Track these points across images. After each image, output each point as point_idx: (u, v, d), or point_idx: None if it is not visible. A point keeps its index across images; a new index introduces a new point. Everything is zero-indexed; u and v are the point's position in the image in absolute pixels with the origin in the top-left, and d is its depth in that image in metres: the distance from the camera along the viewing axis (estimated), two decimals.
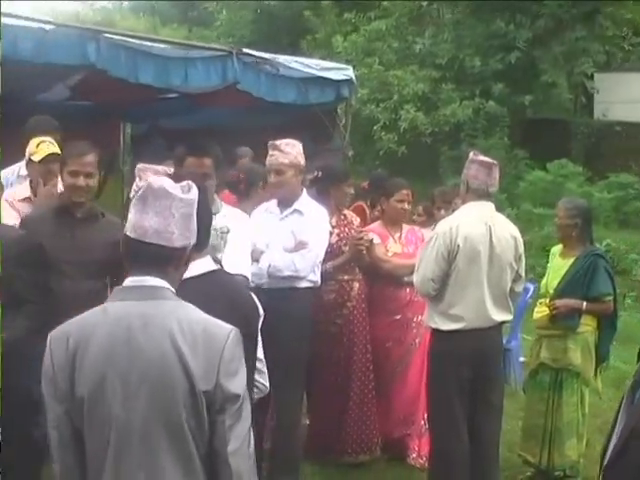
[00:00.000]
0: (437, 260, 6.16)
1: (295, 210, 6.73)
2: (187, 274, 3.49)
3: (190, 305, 3.08)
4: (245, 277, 5.55)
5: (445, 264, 6.18)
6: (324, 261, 6.91)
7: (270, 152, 6.75)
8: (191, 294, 3.37)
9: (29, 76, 9.38)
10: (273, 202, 6.90)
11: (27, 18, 8.29)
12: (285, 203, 6.78)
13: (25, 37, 7.91)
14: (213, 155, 5.53)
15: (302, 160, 6.79)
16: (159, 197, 3.02)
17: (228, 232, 5.50)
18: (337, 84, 10.23)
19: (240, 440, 2.97)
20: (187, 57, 9.05)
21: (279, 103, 9.87)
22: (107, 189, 10.64)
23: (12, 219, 6.67)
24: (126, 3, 37.60)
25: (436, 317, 6.34)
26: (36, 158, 6.68)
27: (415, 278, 6.42)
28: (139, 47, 8.75)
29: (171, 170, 4.98)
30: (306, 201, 6.80)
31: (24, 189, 6.87)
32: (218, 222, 5.55)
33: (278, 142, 6.76)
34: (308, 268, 6.59)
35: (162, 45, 9.46)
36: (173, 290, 3.07)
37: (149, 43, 9.19)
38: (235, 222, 5.62)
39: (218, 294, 3.72)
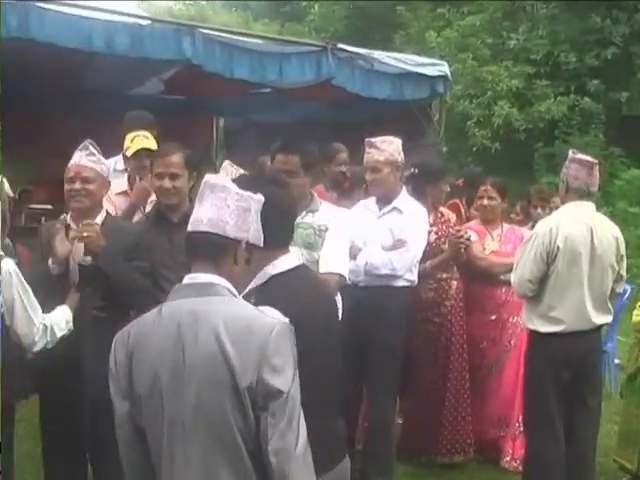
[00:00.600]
0: (535, 261, 6.03)
1: (394, 208, 6.63)
2: (272, 271, 3.56)
3: (240, 301, 3.09)
4: (342, 275, 5.48)
5: (544, 265, 6.03)
6: (422, 260, 6.80)
7: (367, 150, 6.68)
8: (275, 291, 3.47)
9: (124, 70, 9.48)
10: (372, 199, 6.82)
11: (123, 13, 8.37)
12: (384, 201, 6.69)
13: (121, 32, 7.98)
14: (301, 153, 5.48)
15: (400, 157, 6.68)
16: (215, 190, 3.08)
17: (326, 230, 5.46)
18: (432, 80, 10.13)
19: (284, 439, 2.87)
20: (282, 52, 9.07)
21: (373, 99, 9.79)
22: (199, 184, 10.66)
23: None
24: None
25: (535, 319, 6.19)
26: (129, 153, 6.73)
27: (513, 278, 6.29)
28: (234, 42, 8.79)
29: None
30: (405, 199, 6.70)
31: (121, 183, 6.86)
32: (316, 220, 5.53)
33: (374, 139, 6.68)
34: (406, 267, 6.50)
35: (257, 40, 9.47)
36: (227, 285, 3.05)
37: (244, 38, 9.21)
38: (335, 220, 5.59)
39: (300, 290, 3.62)
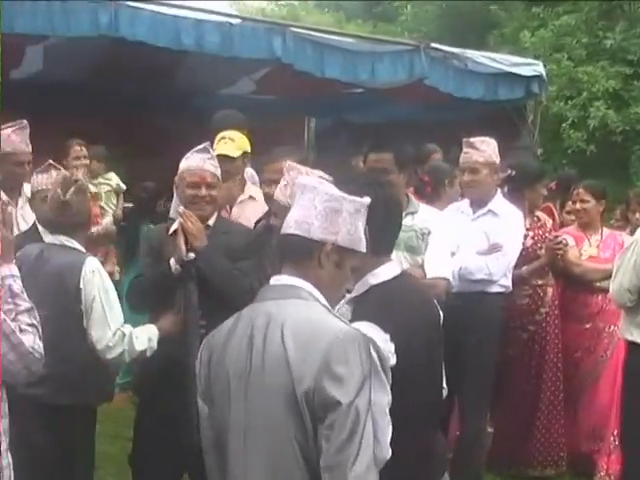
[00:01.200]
0: (635, 269, 5.76)
1: (489, 211, 6.46)
2: (373, 280, 3.46)
3: (318, 306, 2.92)
4: (448, 280, 5.42)
5: None
6: (516, 265, 6.62)
7: (464, 149, 6.53)
8: (374, 303, 3.38)
9: (215, 70, 9.48)
10: (465, 202, 6.66)
11: (213, 12, 8.36)
12: (478, 203, 6.52)
13: (211, 31, 8.00)
14: (395, 151, 5.40)
15: (497, 159, 6.53)
16: (305, 191, 2.99)
17: (429, 234, 5.33)
18: (527, 80, 9.96)
19: (340, 455, 2.64)
20: (374, 51, 9.02)
21: (465, 99, 9.64)
22: None
23: None
24: None
25: (633, 329, 5.93)
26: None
27: (611, 287, 6.05)
28: (325, 41, 8.77)
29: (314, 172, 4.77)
30: (500, 202, 6.53)
31: None
32: (417, 222, 5.41)
33: (473, 140, 6.53)
34: (501, 272, 6.32)
35: (349, 39, 9.40)
36: (309, 289, 2.92)
37: (336, 37, 9.14)
38: (436, 222, 5.48)
39: (401, 303, 3.47)
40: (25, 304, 3.28)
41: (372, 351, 2.79)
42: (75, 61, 9.58)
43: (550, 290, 7.13)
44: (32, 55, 9.25)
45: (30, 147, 6.48)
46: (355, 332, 2.81)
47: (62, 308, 4.65)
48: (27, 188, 6.76)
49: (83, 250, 4.92)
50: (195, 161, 5.21)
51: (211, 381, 2.96)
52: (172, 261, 5.05)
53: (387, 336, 3.13)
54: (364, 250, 3.04)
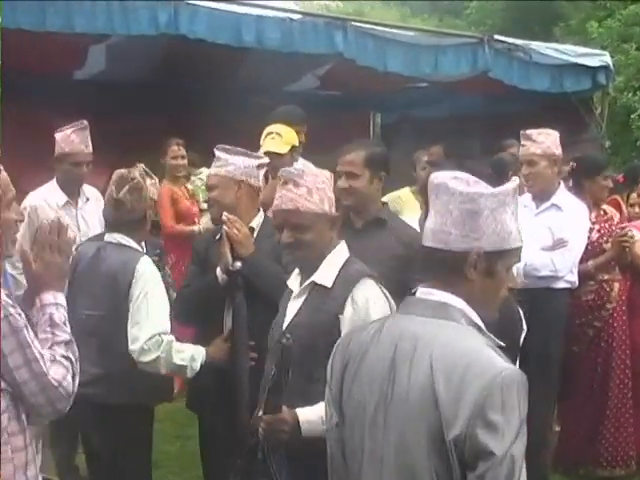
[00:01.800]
0: None
1: (552, 205, 6.36)
2: None
3: (472, 331, 2.58)
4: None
5: None
6: (582, 260, 6.51)
7: (522, 142, 6.45)
8: None
9: (278, 66, 9.47)
10: (528, 196, 6.54)
11: (274, 8, 8.36)
12: (540, 197, 6.43)
13: (272, 27, 8.01)
14: (444, 144, 5.65)
15: (557, 150, 6.42)
16: (439, 193, 2.64)
17: None
18: (593, 71, 9.79)
19: None
20: (437, 45, 8.97)
21: (531, 91, 9.53)
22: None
23: None
24: None
25: None
26: (260, 151, 6.51)
27: None
28: (387, 35, 8.73)
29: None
30: (564, 195, 6.42)
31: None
32: None
33: (530, 131, 6.45)
34: (567, 268, 6.23)
35: (411, 33, 9.34)
36: (462, 308, 2.59)
37: (397, 31, 9.09)
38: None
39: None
40: (64, 335, 3.16)
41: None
42: (138, 59, 9.62)
43: (617, 285, 6.96)
44: (95, 55, 9.30)
45: (90, 148, 6.62)
46: (514, 372, 2.47)
47: (115, 307, 4.66)
48: (87, 189, 6.97)
49: (139, 249, 4.91)
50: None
51: (344, 393, 2.72)
52: (218, 270, 4.90)
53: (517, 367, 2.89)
54: (519, 243, 2.68)
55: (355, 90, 11.40)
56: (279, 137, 6.59)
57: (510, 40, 9.40)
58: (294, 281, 4.05)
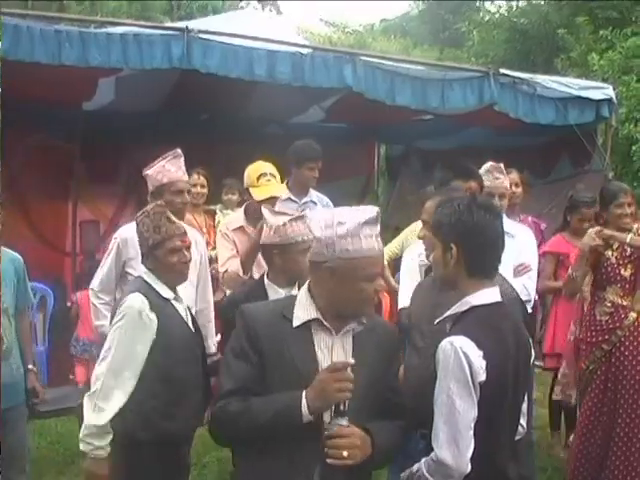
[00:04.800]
0: None
1: (506, 232, 6.47)
2: (474, 301, 3.52)
3: None
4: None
5: None
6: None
7: (495, 175, 6.56)
8: (473, 322, 3.44)
9: (286, 98, 9.60)
10: None
11: (284, 42, 8.49)
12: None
13: (283, 61, 8.14)
14: (478, 178, 5.51)
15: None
16: None
17: None
18: (597, 104, 9.90)
19: None
20: (444, 78, 9.08)
21: (536, 124, 9.63)
22: None
23: (227, 250, 6.74)
24: (377, 25, 38.09)
25: None
26: (256, 196, 6.61)
27: None
28: (395, 69, 8.87)
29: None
30: (508, 222, 6.39)
31: (238, 218, 6.92)
32: None
33: (500, 165, 6.61)
34: (534, 291, 6.41)
35: (418, 67, 9.48)
36: None
37: (405, 65, 9.21)
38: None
39: (500, 328, 3.53)
40: None
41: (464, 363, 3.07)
42: (148, 92, 9.75)
43: (633, 315, 6.74)
44: (104, 87, 9.42)
45: (186, 175, 6.35)
46: None
47: None
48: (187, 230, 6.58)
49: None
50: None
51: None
52: None
53: (481, 352, 3.19)
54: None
55: (360, 122, 11.52)
56: (274, 178, 6.65)
57: (515, 74, 9.52)
58: None
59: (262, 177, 6.62)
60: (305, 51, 8.44)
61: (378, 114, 9.84)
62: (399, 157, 13.88)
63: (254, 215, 6.56)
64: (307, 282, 3.59)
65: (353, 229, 3.37)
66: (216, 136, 10.91)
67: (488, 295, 3.55)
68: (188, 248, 5.03)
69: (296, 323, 3.48)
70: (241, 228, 6.79)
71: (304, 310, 3.50)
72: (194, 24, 8.63)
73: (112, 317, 4.87)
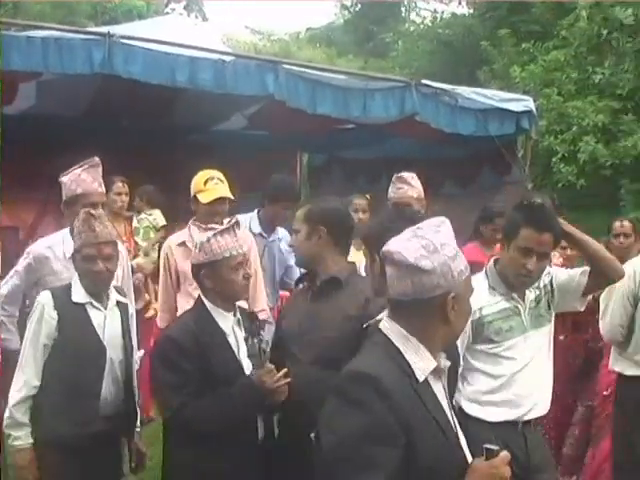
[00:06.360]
0: (624, 304, 5.87)
1: None
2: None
3: None
4: None
5: (631, 309, 5.89)
6: None
7: (398, 185, 6.64)
8: None
9: (209, 106, 9.56)
10: None
11: (207, 49, 8.46)
12: None
13: (204, 68, 8.09)
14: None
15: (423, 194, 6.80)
16: None
17: None
18: (517, 116, 10.00)
19: None
20: (366, 88, 9.09)
21: (458, 135, 9.71)
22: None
23: (166, 290, 6.58)
24: (303, 34, 38.16)
25: (620, 361, 6.04)
26: (204, 199, 6.33)
27: (601, 325, 6.12)
28: (318, 78, 8.85)
29: None
30: None
31: (182, 233, 6.63)
32: None
33: (405, 175, 6.75)
34: None
35: (341, 76, 9.49)
36: None
37: (327, 74, 9.23)
38: None
39: None
40: None
41: None
42: (70, 96, 9.65)
43: None
44: (25, 92, 9.29)
45: (103, 187, 5.89)
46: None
47: None
48: None
49: None
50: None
51: None
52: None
53: None
54: None
55: (283, 130, 11.52)
56: (222, 183, 6.37)
57: (437, 84, 9.58)
58: None
59: (209, 181, 6.34)
60: (228, 58, 8.38)
61: (301, 123, 9.81)
62: (322, 166, 13.89)
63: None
64: (400, 325, 2.99)
65: (455, 245, 2.99)
66: (137, 143, 10.82)
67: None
68: (107, 259, 4.91)
69: (421, 377, 2.94)
70: (183, 244, 6.48)
71: (421, 358, 2.96)
72: (117, 29, 8.57)
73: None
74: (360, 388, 2.78)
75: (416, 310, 2.92)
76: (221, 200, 6.31)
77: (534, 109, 10.28)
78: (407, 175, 6.66)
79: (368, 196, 7.72)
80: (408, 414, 2.77)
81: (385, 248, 2.91)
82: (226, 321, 4.56)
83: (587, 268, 4.81)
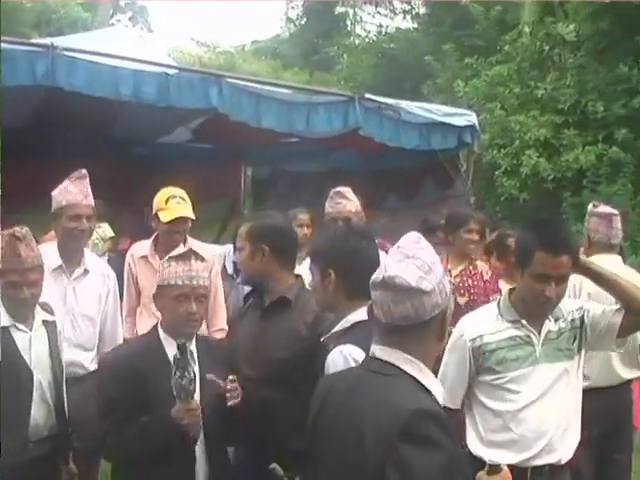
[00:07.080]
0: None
1: None
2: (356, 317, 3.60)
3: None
4: None
5: None
6: None
7: (337, 200, 6.67)
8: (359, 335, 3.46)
9: (152, 119, 9.54)
10: None
11: (151, 62, 8.46)
12: None
13: (148, 81, 8.08)
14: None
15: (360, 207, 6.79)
16: None
17: None
18: (460, 130, 10.12)
19: None
20: (310, 102, 9.15)
21: (401, 148, 9.77)
22: (227, 235, 10.64)
23: (131, 299, 6.52)
24: (248, 46, 38.13)
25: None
26: (164, 218, 6.19)
27: None
28: (261, 92, 8.89)
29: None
30: None
31: (144, 245, 6.55)
32: None
33: (342, 189, 6.76)
34: None
35: (285, 90, 9.52)
36: None
37: (272, 88, 9.26)
38: None
39: None
40: None
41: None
42: (14, 107, 9.57)
43: None
44: None
45: (91, 199, 5.71)
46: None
47: None
48: (90, 259, 5.99)
49: None
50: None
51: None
52: None
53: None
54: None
55: (227, 143, 11.51)
56: (184, 202, 6.23)
57: (380, 99, 9.65)
58: None
59: (171, 199, 6.19)
60: (171, 71, 8.38)
61: (245, 135, 9.83)
62: (266, 179, 13.91)
63: (164, 247, 6.03)
64: (402, 349, 2.88)
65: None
66: (81, 155, 10.74)
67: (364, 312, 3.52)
68: (32, 285, 4.62)
69: (442, 401, 2.90)
70: (145, 258, 6.42)
71: (431, 381, 2.88)
72: (61, 41, 8.53)
73: None
74: (427, 426, 2.66)
75: (416, 333, 2.83)
76: (182, 219, 6.20)
77: (477, 123, 10.40)
78: (344, 190, 6.69)
79: (310, 210, 7.72)
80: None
81: (385, 274, 2.79)
82: (174, 350, 4.18)
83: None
